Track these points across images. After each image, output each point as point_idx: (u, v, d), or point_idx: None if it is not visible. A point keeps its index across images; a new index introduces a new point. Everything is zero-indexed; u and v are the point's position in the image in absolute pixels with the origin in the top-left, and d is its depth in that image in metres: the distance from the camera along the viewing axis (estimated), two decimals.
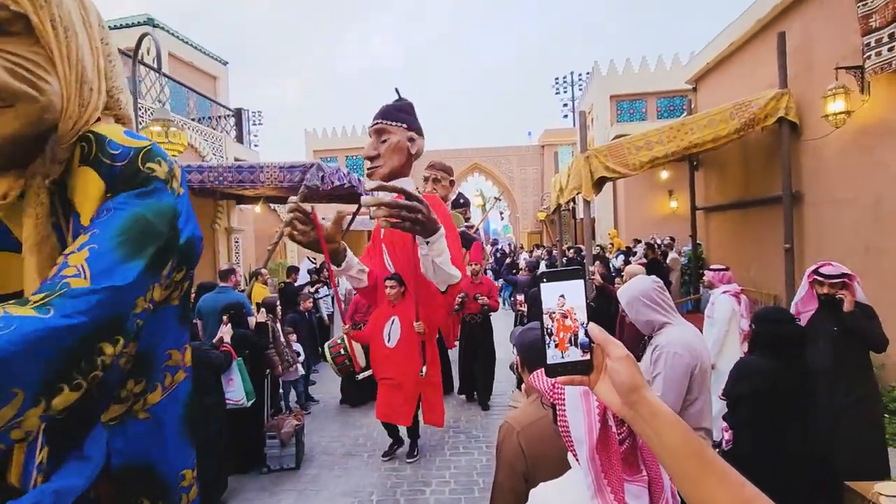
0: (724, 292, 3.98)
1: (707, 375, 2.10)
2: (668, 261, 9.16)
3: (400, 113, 3.51)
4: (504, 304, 12.80)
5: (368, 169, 3.50)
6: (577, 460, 0.96)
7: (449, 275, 2.69)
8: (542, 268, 10.23)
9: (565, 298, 0.70)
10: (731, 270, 4.40)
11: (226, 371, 3.78)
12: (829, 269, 2.97)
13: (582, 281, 0.71)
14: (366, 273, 3.24)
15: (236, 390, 3.86)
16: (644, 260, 8.84)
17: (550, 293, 0.71)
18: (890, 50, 4.11)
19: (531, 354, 1.62)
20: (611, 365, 0.68)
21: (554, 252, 13.09)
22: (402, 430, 4.42)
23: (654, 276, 2.25)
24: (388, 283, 3.88)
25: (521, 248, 18.46)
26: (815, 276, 2.98)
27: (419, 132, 3.58)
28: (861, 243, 4.66)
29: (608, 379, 0.68)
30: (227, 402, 3.80)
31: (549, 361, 0.70)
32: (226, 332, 3.85)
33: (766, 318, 2.71)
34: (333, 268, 2.88)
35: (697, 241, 8.55)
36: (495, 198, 7.30)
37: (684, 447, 0.62)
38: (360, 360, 4.33)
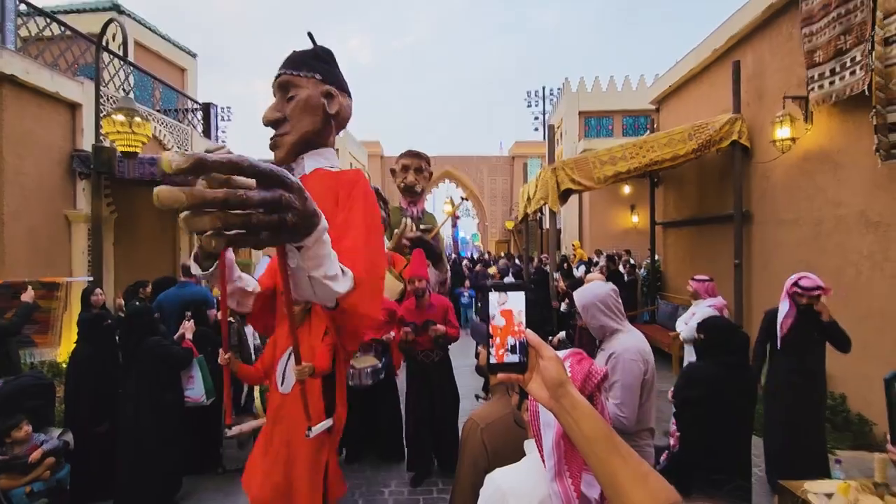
0: (710, 306, 3.92)
1: (654, 379, 2.23)
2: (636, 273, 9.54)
3: (314, 61, 2.30)
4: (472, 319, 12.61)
5: (271, 139, 2.32)
6: (536, 446, 1.03)
7: (335, 292, 1.46)
8: (510, 276, 10.43)
9: (510, 307, 0.79)
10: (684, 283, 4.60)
11: (186, 368, 3.70)
12: (806, 282, 3.21)
13: (524, 293, 0.80)
14: (254, 295, 2.17)
15: (196, 388, 3.77)
16: (604, 271, 9.14)
17: (496, 301, 0.80)
18: (831, 83, 4.47)
19: None
20: (542, 363, 0.78)
21: (518, 262, 13.31)
22: None
23: (611, 284, 2.33)
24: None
25: (490, 254, 18.65)
26: (796, 289, 3.24)
27: (341, 88, 2.36)
28: (801, 261, 5.00)
29: (538, 377, 0.78)
30: (187, 399, 3.72)
31: (491, 361, 0.79)
32: (188, 328, 3.76)
33: (714, 326, 2.89)
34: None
35: (655, 255, 8.91)
36: (462, 198, 7.40)
37: (597, 433, 0.73)
38: None
